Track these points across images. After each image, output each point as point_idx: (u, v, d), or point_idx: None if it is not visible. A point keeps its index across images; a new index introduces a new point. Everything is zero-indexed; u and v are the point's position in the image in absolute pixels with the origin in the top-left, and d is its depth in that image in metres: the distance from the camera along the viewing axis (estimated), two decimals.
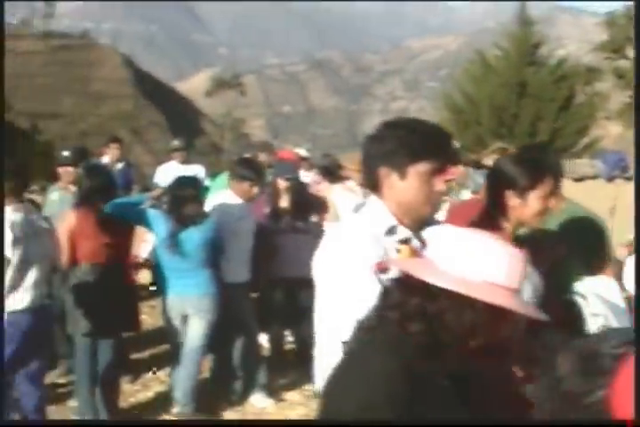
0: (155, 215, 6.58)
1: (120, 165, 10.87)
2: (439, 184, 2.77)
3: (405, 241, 2.76)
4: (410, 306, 2.11)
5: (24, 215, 5.47)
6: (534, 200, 3.27)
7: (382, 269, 2.57)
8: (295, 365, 8.07)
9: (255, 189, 7.07)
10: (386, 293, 2.23)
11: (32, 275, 5.48)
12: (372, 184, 2.84)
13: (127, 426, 6.00)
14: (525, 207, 3.28)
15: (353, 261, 2.62)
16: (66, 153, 7.91)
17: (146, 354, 8.47)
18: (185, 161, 10.93)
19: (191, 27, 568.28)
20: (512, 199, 3.28)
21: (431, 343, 2.10)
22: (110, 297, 6.41)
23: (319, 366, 2.83)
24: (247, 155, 9.05)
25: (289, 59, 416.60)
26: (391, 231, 2.76)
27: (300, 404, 7.19)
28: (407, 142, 2.72)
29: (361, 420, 2.01)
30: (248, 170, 7.15)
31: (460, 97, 30.23)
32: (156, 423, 6.03)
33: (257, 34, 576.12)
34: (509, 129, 27.60)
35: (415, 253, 2.65)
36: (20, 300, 5.45)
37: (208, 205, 6.93)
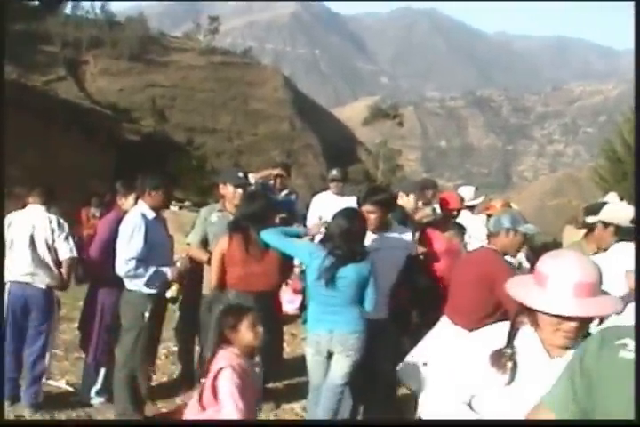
0: (312, 248, 6.30)
1: (283, 193, 10.16)
2: None
3: None
4: None
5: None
6: None
7: None
8: None
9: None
10: None
11: None
12: None
13: (128, 426, 5.96)
14: None
15: None
16: (241, 174, 7.57)
17: (283, 383, 8.29)
18: (340, 192, 10.44)
19: (354, 54, 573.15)
20: None
21: None
22: None
23: None
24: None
25: (449, 93, 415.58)
26: None
27: None
28: None
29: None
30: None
31: (621, 146, 29.41)
32: (156, 423, 5.96)
33: (419, 65, 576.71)
34: None
35: None
36: None
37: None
